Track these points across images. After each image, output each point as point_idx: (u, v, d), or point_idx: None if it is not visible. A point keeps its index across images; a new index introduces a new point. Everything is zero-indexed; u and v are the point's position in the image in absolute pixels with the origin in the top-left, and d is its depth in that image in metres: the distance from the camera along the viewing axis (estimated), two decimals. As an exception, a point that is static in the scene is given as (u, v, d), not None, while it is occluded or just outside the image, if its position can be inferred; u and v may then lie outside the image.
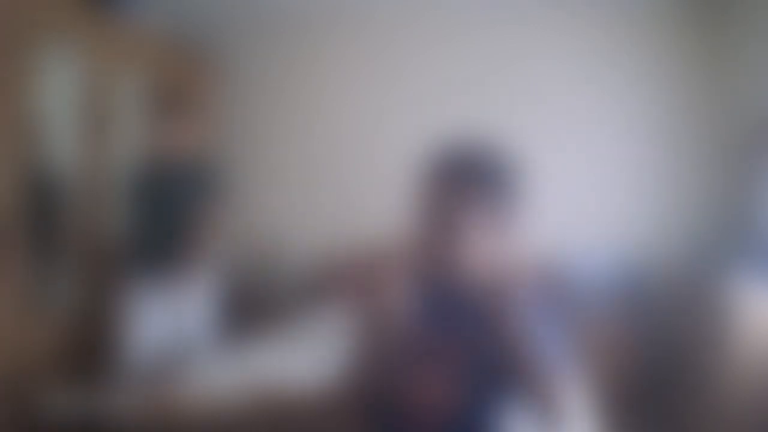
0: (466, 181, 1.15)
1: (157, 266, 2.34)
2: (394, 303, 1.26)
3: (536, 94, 3.39)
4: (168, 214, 2.42)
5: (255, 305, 3.37)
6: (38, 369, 2.08)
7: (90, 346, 2.21)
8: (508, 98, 3.42)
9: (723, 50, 3.09)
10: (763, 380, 2.13)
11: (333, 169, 3.63)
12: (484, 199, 1.12)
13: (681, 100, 3.24)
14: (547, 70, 3.39)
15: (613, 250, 3.20)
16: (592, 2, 3.33)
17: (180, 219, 2.42)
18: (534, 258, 3.16)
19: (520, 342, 1.10)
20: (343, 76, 3.65)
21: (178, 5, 3.37)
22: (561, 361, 1.15)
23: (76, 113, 2.37)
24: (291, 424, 1.84)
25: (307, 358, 2.33)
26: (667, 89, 3.26)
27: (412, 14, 3.53)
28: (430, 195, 1.15)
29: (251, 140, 3.77)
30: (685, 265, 3.07)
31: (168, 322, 2.31)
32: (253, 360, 2.42)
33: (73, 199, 2.39)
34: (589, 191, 3.33)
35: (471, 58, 3.48)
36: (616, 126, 3.33)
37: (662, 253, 3.20)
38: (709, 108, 3.16)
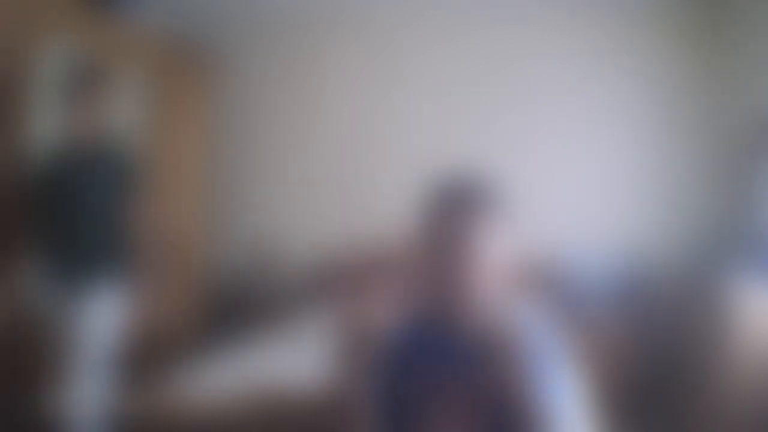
0: (466, 188, 1.13)
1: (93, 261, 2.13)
2: (387, 313, 1.26)
3: (537, 95, 3.39)
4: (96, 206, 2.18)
5: (251, 306, 3.37)
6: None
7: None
8: (509, 99, 3.42)
9: (723, 51, 3.09)
10: (763, 380, 2.13)
11: (331, 169, 3.64)
12: (483, 206, 1.11)
13: (681, 101, 3.24)
14: (549, 71, 3.39)
15: (614, 251, 3.20)
16: (592, 3, 3.33)
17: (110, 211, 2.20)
18: (535, 261, 3.16)
19: (517, 370, 1.10)
20: (343, 77, 3.65)
21: (178, 5, 3.37)
22: (559, 375, 1.15)
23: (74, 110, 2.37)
24: (283, 425, 1.84)
25: (301, 360, 2.33)
26: (668, 90, 3.26)
27: (412, 14, 3.54)
28: (428, 201, 1.14)
29: (248, 140, 3.77)
30: (686, 266, 3.07)
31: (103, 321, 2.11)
32: (246, 361, 2.42)
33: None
34: (589, 193, 3.33)
35: (471, 58, 3.49)
36: (616, 127, 3.33)
37: (663, 254, 3.21)
38: (709, 109, 3.16)
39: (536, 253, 3.18)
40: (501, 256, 1.09)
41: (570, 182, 3.35)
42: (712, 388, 2.32)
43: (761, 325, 2.20)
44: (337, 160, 3.62)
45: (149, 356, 2.43)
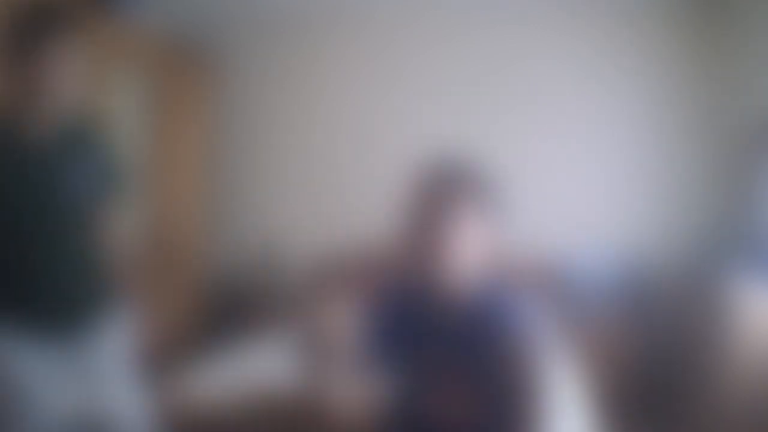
0: (460, 183, 1.15)
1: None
2: (384, 305, 1.27)
3: (537, 95, 3.39)
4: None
5: (251, 306, 3.37)
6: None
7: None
8: (509, 98, 3.42)
9: (723, 51, 3.09)
10: (763, 380, 2.13)
11: (331, 169, 3.64)
12: (477, 202, 1.13)
13: (681, 101, 3.24)
14: (549, 71, 3.39)
15: (615, 251, 3.20)
16: (592, 3, 3.33)
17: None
18: (533, 259, 3.16)
19: (505, 344, 1.11)
20: (343, 77, 3.65)
21: (178, 5, 3.37)
22: (547, 358, 1.17)
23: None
24: (282, 425, 1.83)
25: (300, 360, 2.33)
26: (668, 90, 3.26)
27: (412, 14, 3.53)
28: (425, 198, 1.16)
29: (248, 140, 3.77)
30: (686, 266, 3.07)
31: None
32: (246, 361, 2.42)
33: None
34: (589, 192, 3.33)
35: (470, 59, 3.48)
36: (616, 127, 3.33)
37: (663, 254, 3.20)
38: (709, 109, 3.16)
39: (536, 252, 3.18)
40: (481, 240, 1.11)
41: (570, 182, 3.35)
42: (712, 388, 2.32)
43: (761, 325, 2.20)
44: (337, 160, 3.62)
45: (148, 357, 2.43)
